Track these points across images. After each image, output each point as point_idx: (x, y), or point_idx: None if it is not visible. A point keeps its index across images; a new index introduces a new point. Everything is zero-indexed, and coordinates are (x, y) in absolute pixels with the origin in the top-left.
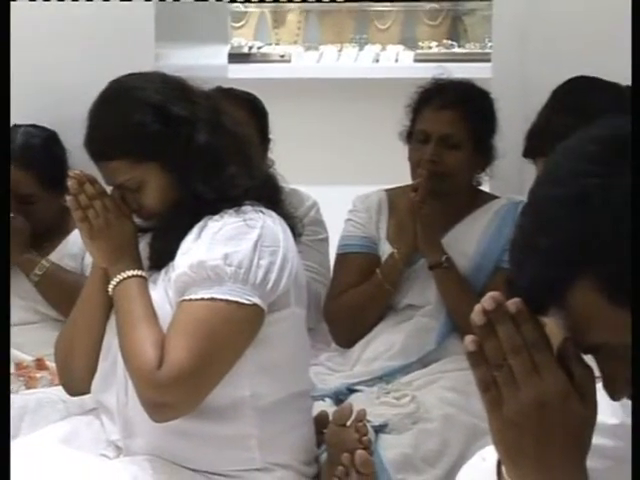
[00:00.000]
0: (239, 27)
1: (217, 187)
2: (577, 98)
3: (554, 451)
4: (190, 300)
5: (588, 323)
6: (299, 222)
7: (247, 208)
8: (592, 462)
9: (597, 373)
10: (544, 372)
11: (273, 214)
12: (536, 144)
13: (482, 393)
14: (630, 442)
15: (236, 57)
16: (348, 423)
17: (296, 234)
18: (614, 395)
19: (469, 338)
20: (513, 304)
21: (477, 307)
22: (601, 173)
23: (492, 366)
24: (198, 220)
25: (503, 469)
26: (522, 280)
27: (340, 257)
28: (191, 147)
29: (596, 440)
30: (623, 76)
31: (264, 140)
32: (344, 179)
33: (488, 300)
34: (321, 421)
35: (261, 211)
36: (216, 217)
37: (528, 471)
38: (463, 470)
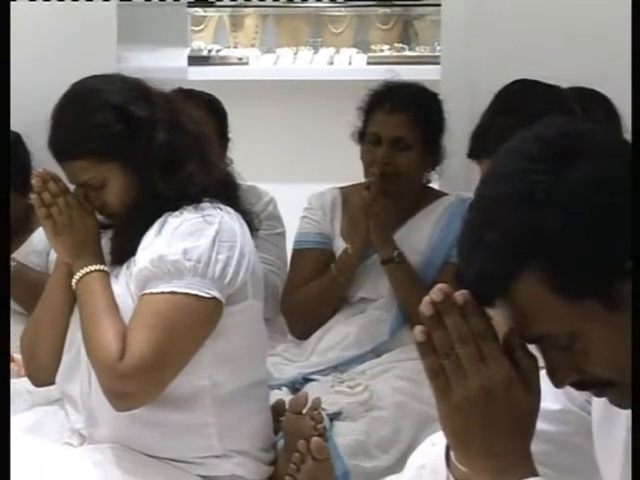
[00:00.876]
0: (199, 31)
1: (176, 185)
2: (518, 100)
3: (500, 436)
4: (151, 293)
5: (532, 314)
6: (256, 218)
7: (206, 205)
8: (536, 446)
9: (541, 362)
10: (490, 361)
11: (231, 210)
12: (480, 145)
13: (431, 381)
14: (572, 427)
15: (196, 60)
16: (304, 411)
17: (253, 229)
18: (557, 383)
19: (418, 328)
20: (460, 296)
21: (426, 299)
22: (544, 171)
23: (440, 355)
24: (158, 217)
25: (452, 453)
26: (469, 273)
27: (296, 252)
28: (151, 146)
29: (540, 425)
30: (565, 78)
31: (223, 139)
32: (300, 177)
33: (436, 292)
34: (278, 409)
35: (219, 207)
36: (176, 214)
37: (475, 455)
38: (414, 455)
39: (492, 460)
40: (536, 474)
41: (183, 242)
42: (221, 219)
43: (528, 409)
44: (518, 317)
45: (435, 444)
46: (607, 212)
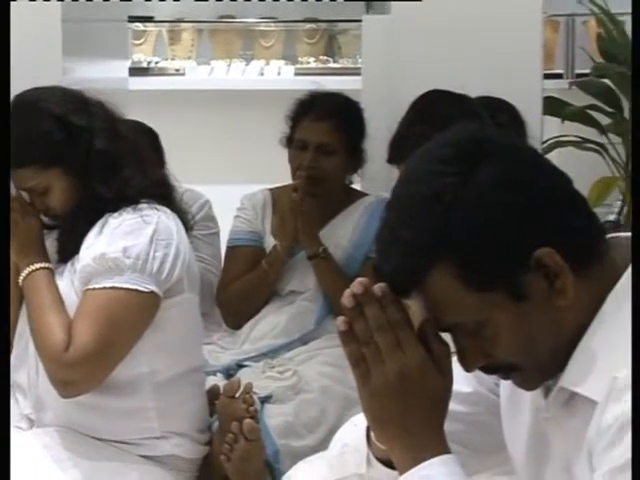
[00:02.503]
0: (139, 44)
1: (115, 187)
2: (431, 109)
3: (416, 418)
4: (94, 289)
5: (444, 304)
6: (191, 217)
7: (143, 206)
8: (449, 426)
9: (453, 349)
10: (406, 348)
11: (167, 210)
12: (398, 152)
13: (352, 368)
14: (482, 407)
15: (136, 71)
16: (237, 395)
17: (188, 228)
18: (467, 367)
19: (340, 319)
20: (379, 288)
21: (347, 291)
22: (453, 173)
23: (361, 343)
24: (99, 217)
25: (372, 433)
26: (386, 268)
27: (230, 250)
28: (90, 153)
29: (452, 406)
30: (474, 87)
31: (161, 164)
32: (233, 179)
33: (356, 285)
34: (213, 393)
35: (156, 208)
36: (115, 214)
37: (393, 436)
38: (337, 435)
39: (409, 439)
40: (448, 451)
41: (123, 241)
42: (158, 219)
43: (441, 392)
44: (431, 307)
45: (357, 425)
46: (510, 210)
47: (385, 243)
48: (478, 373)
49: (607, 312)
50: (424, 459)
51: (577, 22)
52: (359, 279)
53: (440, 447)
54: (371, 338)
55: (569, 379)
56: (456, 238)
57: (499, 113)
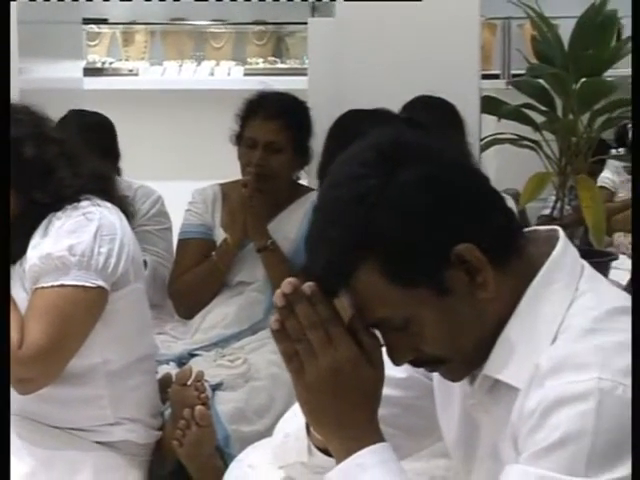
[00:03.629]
0: (94, 45)
1: (51, 191)
2: (352, 132)
3: (349, 409)
4: (42, 288)
5: (371, 301)
6: (132, 207)
7: (85, 203)
8: (384, 410)
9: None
10: (337, 343)
11: (109, 205)
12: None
13: (286, 365)
14: (416, 392)
15: (91, 71)
16: (189, 383)
17: (130, 217)
18: (395, 362)
19: (273, 318)
20: (308, 287)
21: (277, 292)
22: (375, 175)
23: (293, 340)
24: (43, 218)
25: None
26: (315, 267)
27: (181, 242)
28: (22, 162)
29: (388, 391)
30: (416, 87)
31: (115, 159)
32: (184, 175)
33: (286, 285)
34: (166, 382)
35: (98, 204)
36: (59, 214)
37: (328, 427)
38: (279, 424)
39: (343, 430)
40: (382, 440)
41: (67, 239)
42: (101, 215)
43: (373, 383)
44: (359, 304)
45: (297, 414)
46: (430, 209)
47: (313, 244)
48: None
49: (526, 304)
50: (358, 449)
51: (513, 25)
52: (288, 279)
53: (374, 436)
54: (303, 335)
55: (492, 367)
56: (379, 237)
57: (438, 112)
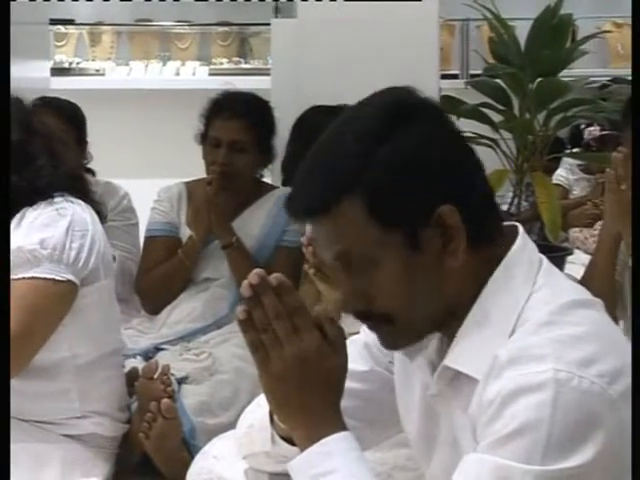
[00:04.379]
0: (61, 46)
1: (27, 178)
2: (313, 128)
3: (314, 397)
4: (13, 279)
5: (346, 232)
6: (104, 208)
7: (59, 199)
8: (347, 402)
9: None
10: (303, 333)
11: (82, 203)
12: (291, 175)
13: (252, 354)
14: (377, 385)
15: (58, 71)
16: (155, 376)
17: (102, 218)
18: (346, 307)
19: (239, 309)
20: (274, 278)
21: (244, 282)
22: (388, 121)
23: (259, 330)
24: (17, 212)
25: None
26: (303, 190)
27: (148, 239)
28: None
29: (350, 384)
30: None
31: (82, 142)
32: (150, 173)
33: (253, 276)
34: (132, 375)
35: (71, 201)
36: (32, 208)
37: (293, 416)
38: (243, 415)
39: (308, 418)
40: (345, 428)
41: (40, 233)
42: (73, 211)
43: (337, 372)
44: (332, 235)
45: (261, 405)
46: (427, 164)
47: (307, 169)
48: (374, 353)
49: (486, 296)
50: (322, 437)
51: (471, 26)
52: (256, 270)
53: (337, 425)
54: (269, 325)
55: (452, 358)
56: (373, 173)
57: None
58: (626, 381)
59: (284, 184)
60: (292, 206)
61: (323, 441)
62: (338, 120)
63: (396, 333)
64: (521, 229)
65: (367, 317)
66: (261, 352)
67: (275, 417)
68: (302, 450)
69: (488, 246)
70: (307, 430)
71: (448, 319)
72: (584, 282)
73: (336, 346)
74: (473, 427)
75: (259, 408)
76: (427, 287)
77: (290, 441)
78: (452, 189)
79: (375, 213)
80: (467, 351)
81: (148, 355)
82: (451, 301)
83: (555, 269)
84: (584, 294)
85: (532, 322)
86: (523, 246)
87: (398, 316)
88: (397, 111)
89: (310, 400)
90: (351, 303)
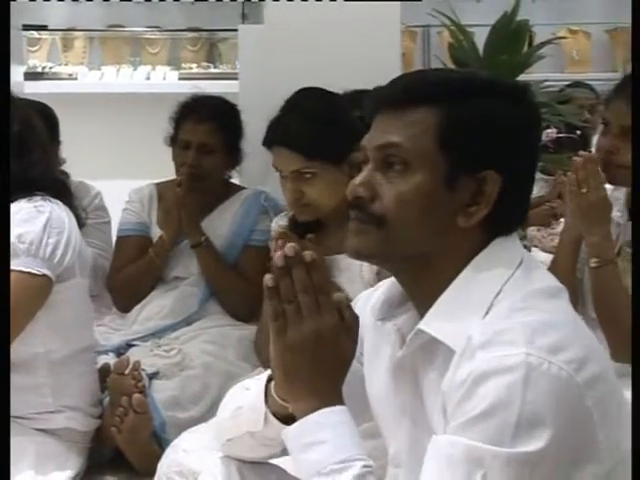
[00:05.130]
0: (34, 51)
1: (20, 169)
2: (300, 102)
3: (322, 373)
4: None
5: (409, 130)
6: (82, 209)
7: (37, 198)
8: None
9: None
10: (324, 311)
11: (59, 202)
12: (271, 135)
13: (272, 322)
14: (350, 376)
15: (32, 75)
16: (126, 372)
17: (80, 220)
18: (355, 185)
19: (268, 276)
20: (309, 254)
21: (278, 253)
22: (481, 80)
23: (283, 300)
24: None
25: (271, 389)
26: (401, 81)
27: (119, 239)
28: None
29: None
30: (342, 85)
31: (55, 143)
32: (122, 175)
33: (290, 248)
34: (104, 371)
35: (49, 200)
36: (12, 205)
37: (300, 388)
38: (227, 399)
39: (312, 391)
40: (343, 404)
41: (18, 228)
42: (51, 209)
43: (348, 355)
44: (399, 125)
45: (249, 388)
46: (505, 133)
47: (407, 75)
48: None
49: (469, 273)
50: (322, 407)
51: (432, 32)
52: (292, 243)
53: (337, 400)
54: (294, 297)
55: (428, 323)
56: (465, 106)
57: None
58: (591, 369)
59: (263, 144)
60: (378, 93)
61: (319, 412)
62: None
63: (375, 239)
64: (519, 225)
65: (362, 209)
66: (280, 321)
67: (272, 392)
68: (299, 418)
69: (496, 231)
70: (309, 403)
71: (422, 274)
72: None
73: (351, 331)
74: (444, 406)
75: (248, 391)
76: (431, 222)
77: (282, 420)
78: (509, 167)
79: (441, 133)
80: (443, 320)
81: (120, 351)
82: (437, 255)
83: (535, 260)
84: (556, 283)
85: (506, 306)
86: (513, 237)
87: (390, 224)
88: (503, 84)
89: (318, 375)
90: (359, 190)
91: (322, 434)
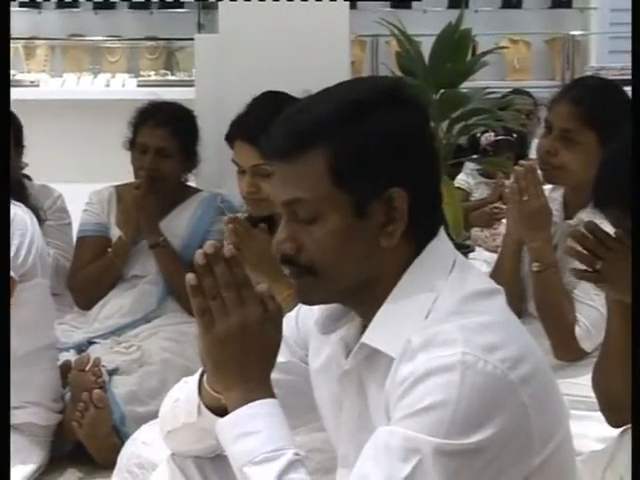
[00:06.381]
0: None
1: None
2: (262, 103)
3: (251, 363)
4: None
5: (304, 180)
6: (43, 212)
7: None
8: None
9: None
10: (248, 304)
11: (22, 206)
12: (236, 129)
13: (198, 318)
14: (295, 375)
15: None
16: (87, 368)
17: (41, 221)
18: (278, 246)
19: (191, 275)
20: (228, 251)
21: (199, 251)
22: (375, 97)
23: (208, 297)
24: None
25: (204, 382)
26: (280, 131)
27: (80, 239)
28: None
29: (273, 375)
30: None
31: (19, 147)
32: (82, 177)
33: (209, 246)
34: (66, 367)
35: (13, 202)
36: None
37: (230, 378)
38: (169, 394)
39: (243, 381)
40: (274, 396)
41: None
42: (14, 212)
43: (274, 344)
44: (290, 179)
45: (188, 382)
46: (395, 149)
47: (290, 114)
48: (291, 346)
49: (405, 284)
50: (253, 400)
51: (381, 42)
52: (211, 242)
53: (268, 391)
54: (218, 293)
55: (370, 336)
56: (349, 137)
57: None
58: (526, 367)
59: (226, 139)
60: (266, 144)
61: (251, 404)
62: (334, 85)
63: (315, 286)
64: (442, 227)
65: (292, 264)
66: (207, 317)
67: (205, 384)
68: (231, 410)
69: (419, 239)
70: (240, 392)
71: (364, 295)
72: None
73: (275, 321)
74: (386, 404)
75: (185, 384)
76: (357, 254)
77: (214, 411)
78: (410, 178)
79: (335, 172)
80: (384, 331)
81: (81, 348)
82: (373, 277)
83: (468, 263)
84: (490, 284)
85: (444, 310)
86: (442, 242)
87: (322, 271)
88: (389, 94)
89: (247, 365)
90: (284, 247)
91: (254, 425)
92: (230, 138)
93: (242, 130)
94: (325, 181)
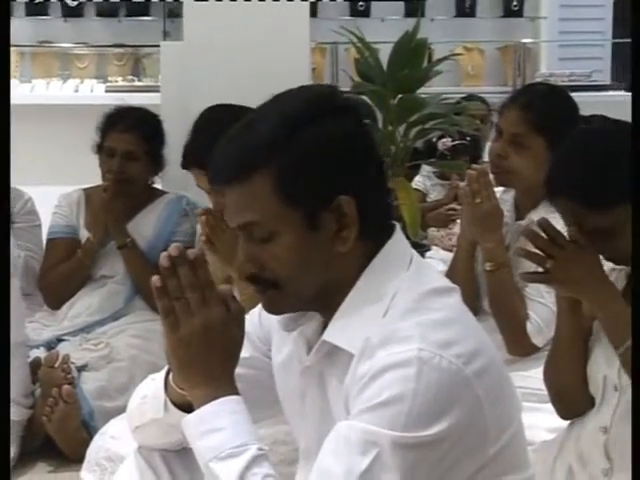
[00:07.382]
0: None
1: None
2: (209, 121)
3: (215, 361)
4: None
5: (253, 203)
6: (13, 215)
7: None
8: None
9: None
10: (211, 304)
11: None
12: (189, 159)
13: (163, 319)
14: (258, 370)
15: None
16: (56, 365)
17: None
18: (240, 269)
19: (155, 277)
20: (192, 253)
21: (164, 253)
22: (307, 112)
23: (172, 298)
24: None
25: (170, 380)
26: (224, 157)
27: (50, 241)
28: None
29: (237, 370)
30: (255, 103)
31: None
32: (51, 181)
33: (173, 249)
34: (36, 364)
35: None
36: None
37: (195, 377)
38: (136, 390)
39: (207, 379)
40: (238, 393)
41: None
42: None
43: (237, 342)
44: (240, 204)
45: (155, 379)
46: (336, 156)
47: (231, 139)
48: (254, 341)
49: (363, 283)
50: (218, 397)
51: (340, 49)
52: (175, 244)
53: (232, 389)
54: (182, 294)
55: (331, 334)
56: (289, 154)
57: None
58: (480, 362)
59: (183, 167)
60: (212, 171)
61: (215, 402)
62: (268, 101)
63: (280, 298)
64: (397, 227)
65: (257, 281)
66: (171, 317)
67: (170, 382)
68: (197, 407)
69: (375, 240)
70: (205, 389)
71: (327, 298)
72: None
73: (237, 320)
74: (346, 399)
75: (152, 381)
76: (315, 264)
77: (180, 407)
78: (354, 183)
79: (281, 191)
80: (344, 329)
81: (50, 346)
82: (333, 281)
83: (424, 262)
84: (445, 282)
85: (401, 307)
86: (398, 241)
87: (285, 284)
88: (322, 104)
89: (211, 363)
90: (246, 267)
91: (219, 422)
92: (186, 167)
93: (193, 159)
94: (273, 201)
